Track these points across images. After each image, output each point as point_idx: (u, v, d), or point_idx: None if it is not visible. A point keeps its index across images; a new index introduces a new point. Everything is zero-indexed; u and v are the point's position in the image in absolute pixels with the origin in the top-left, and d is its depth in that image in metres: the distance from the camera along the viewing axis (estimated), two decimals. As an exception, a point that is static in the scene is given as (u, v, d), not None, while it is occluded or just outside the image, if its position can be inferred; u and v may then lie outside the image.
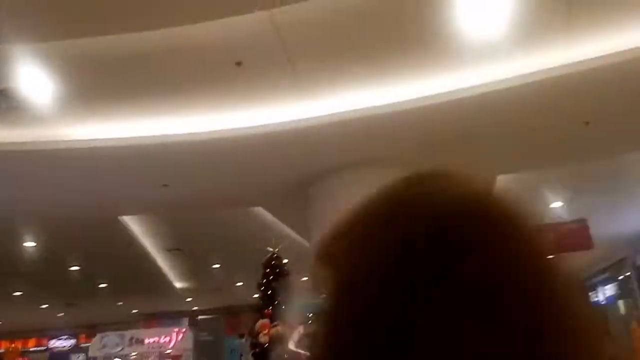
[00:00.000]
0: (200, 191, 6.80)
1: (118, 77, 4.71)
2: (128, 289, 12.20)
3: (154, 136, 5.39)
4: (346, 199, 4.06)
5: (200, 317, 15.14)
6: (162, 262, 10.98)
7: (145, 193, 6.71)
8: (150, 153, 5.58)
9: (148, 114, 5.31)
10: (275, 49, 4.42)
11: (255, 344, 4.20)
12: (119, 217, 7.92)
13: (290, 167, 6.32)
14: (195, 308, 15.88)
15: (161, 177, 6.11)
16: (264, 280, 4.44)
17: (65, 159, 5.63)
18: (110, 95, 4.99)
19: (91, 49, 4.31)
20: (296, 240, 8.87)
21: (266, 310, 4.27)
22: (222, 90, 4.99)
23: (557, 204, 8.55)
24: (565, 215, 8.65)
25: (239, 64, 4.50)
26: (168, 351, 6.62)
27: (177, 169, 5.98)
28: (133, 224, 8.56)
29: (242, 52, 4.45)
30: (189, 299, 14.63)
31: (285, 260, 10.36)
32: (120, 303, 14.38)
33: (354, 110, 5.16)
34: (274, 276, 4.44)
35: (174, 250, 9.99)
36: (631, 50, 4.43)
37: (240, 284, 12.87)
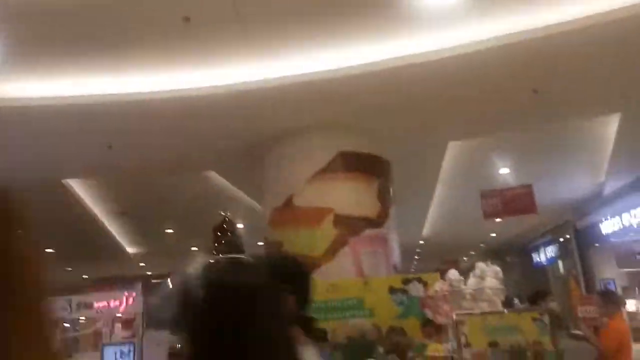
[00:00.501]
0: (148, 154, 6.58)
1: (58, 32, 4.39)
2: (77, 254, 11.85)
3: (96, 95, 5.13)
4: (299, 163, 4.05)
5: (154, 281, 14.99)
6: (112, 226, 10.69)
7: (89, 155, 6.43)
8: (93, 113, 5.31)
9: (90, 71, 5.02)
10: (225, 6, 4.22)
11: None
12: (63, 181, 7.59)
13: (242, 131, 6.19)
14: (149, 273, 15.70)
15: (105, 139, 5.85)
16: (215, 244, 4.38)
17: (1, 119, 5.28)
18: (50, 51, 4.66)
19: (29, 1, 3.98)
20: (249, 205, 8.82)
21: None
22: (169, 47, 4.76)
23: (504, 170, 8.85)
24: (512, 181, 9.00)
25: (186, 19, 4.28)
26: (119, 315, 6.53)
27: (122, 130, 5.73)
28: (79, 187, 8.23)
29: (189, 6, 4.22)
30: (142, 264, 14.42)
31: (238, 225, 10.32)
32: (70, 269, 14.01)
33: (308, 74, 5.07)
34: (225, 240, 4.38)
35: (123, 214, 9.72)
36: (580, 19, 4.51)
37: (195, 249, 12.76)
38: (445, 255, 18.21)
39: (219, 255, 4.43)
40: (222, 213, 4.63)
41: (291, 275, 1.48)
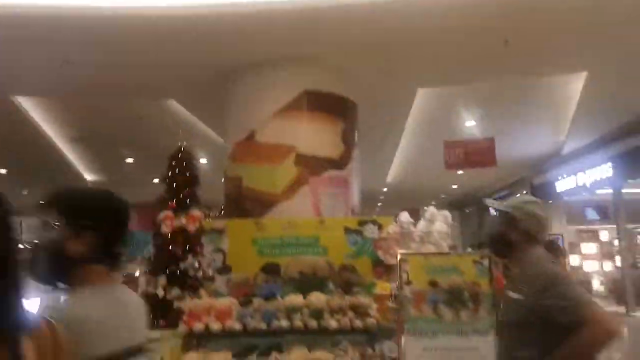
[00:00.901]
0: (105, 75, 6.26)
1: None
2: (32, 178, 11.48)
3: (51, 6, 4.76)
4: (264, 98, 3.90)
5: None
6: (69, 151, 10.35)
7: (40, 71, 6.07)
8: (46, 25, 4.95)
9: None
10: None
11: (157, 235, 4.15)
12: (12, 98, 7.19)
13: (206, 59, 5.95)
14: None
15: (58, 55, 5.50)
16: (170, 173, 4.29)
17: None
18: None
19: None
20: (211, 138, 8.66)
21: (170, 203, 4.18)
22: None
23: (469, 123, 8.91)
24: (476, 134, 9.11)
25: None
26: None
27: (77, 47, 5.40)
28: (32, 108, 7.84)
29: None
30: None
31: (201, 159, 10.15)
32: (25, 192, 13.64)
33: (279, 2, 4.83)
34: (180, 170, 4.30)
35: (80, 139, 9.40)
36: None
37: (157, 180, 12.58)
38: (407, 203, 18.62)
39: (172, 184, 4.37)
40: (180, 143, 4.52)
41: (94, 210, 1.42)
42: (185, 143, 4.52)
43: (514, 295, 1.96)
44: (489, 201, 2.15)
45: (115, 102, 7.50)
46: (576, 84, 7.32)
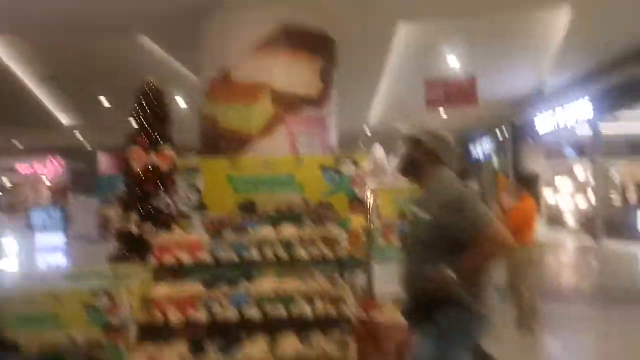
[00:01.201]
0: (71, 7, 5.94)
1: None
2: (3, 118, 11.13)
3: None
4: (239, 34, 3.73)
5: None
6: (40, 92, 10.01)
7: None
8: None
9: None
10: None
11: (127, 172, 4.08)
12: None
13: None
14: (89, 146, 15.22)
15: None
16: (138, 109, 4.17)
17: None
18: None
19: None
20: (185, 75, 8.44)
21: (139, 139, 4.08)
22: None
23: (451, 62, 8.75)
24: (459, 73, 8.98)
25: None
26: (47, 183, 6.35)
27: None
28: (-3, 45, 7.50)
29: None
30: (79, 136, 13.91)
31: (179, 100, 9.89)
32: (-2, 135, 13.35)
33: None
34: (149, 106, 4.17)
35: (52, 78, 9.06)
36: None
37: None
38: (392, 147, 18.62)
39: (142, 122, 4.25)
40: (147, 78, 4.34)
41: None
42: (152, 78, 4.33)
43: (420, 213, 2.01)
44: (401, 125, 2.19)
45: (86, 39, 7.16)
46: (559, 21, 7.17)
